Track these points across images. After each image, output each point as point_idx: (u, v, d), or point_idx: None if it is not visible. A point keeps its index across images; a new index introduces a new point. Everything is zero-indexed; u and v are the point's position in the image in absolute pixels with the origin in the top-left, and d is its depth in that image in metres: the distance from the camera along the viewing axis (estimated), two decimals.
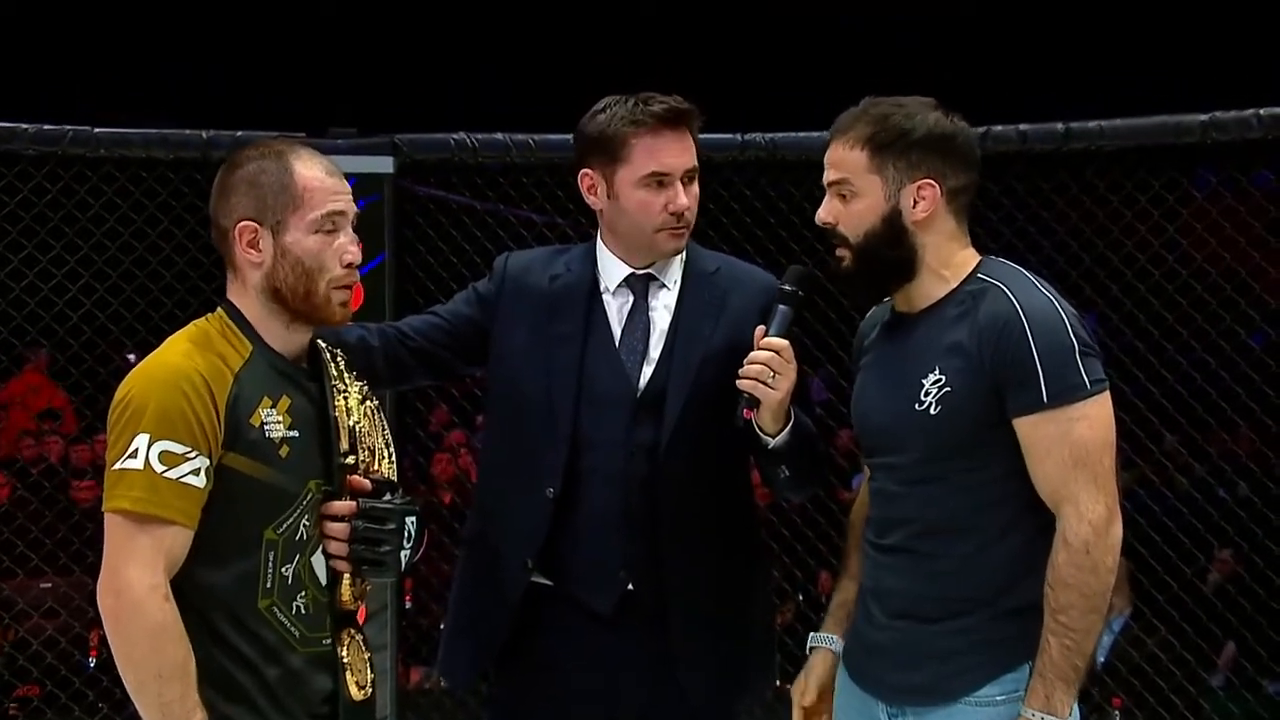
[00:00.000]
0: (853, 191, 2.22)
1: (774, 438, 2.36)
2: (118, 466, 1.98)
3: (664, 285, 2.50)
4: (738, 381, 2.30)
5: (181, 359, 2.03)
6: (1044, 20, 11.78)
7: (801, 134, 3.86)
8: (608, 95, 2.49)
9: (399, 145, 3.80)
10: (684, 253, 2.53)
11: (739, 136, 3.84)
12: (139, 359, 2.14)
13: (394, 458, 2.25)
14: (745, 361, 2.30)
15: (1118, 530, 2.11)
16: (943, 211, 2.22)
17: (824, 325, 4.80)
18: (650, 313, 2.49)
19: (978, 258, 2.26)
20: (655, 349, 2.47)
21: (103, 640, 5.91)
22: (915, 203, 2.21)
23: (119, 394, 2.03)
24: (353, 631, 2.18)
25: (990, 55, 11.19)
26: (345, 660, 2.14)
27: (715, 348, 2.43)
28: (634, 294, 2.50)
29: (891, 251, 2.21)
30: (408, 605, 5.59)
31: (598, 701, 2.46)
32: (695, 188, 2.46)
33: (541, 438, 2.45)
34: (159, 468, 1.96)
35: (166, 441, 1.96)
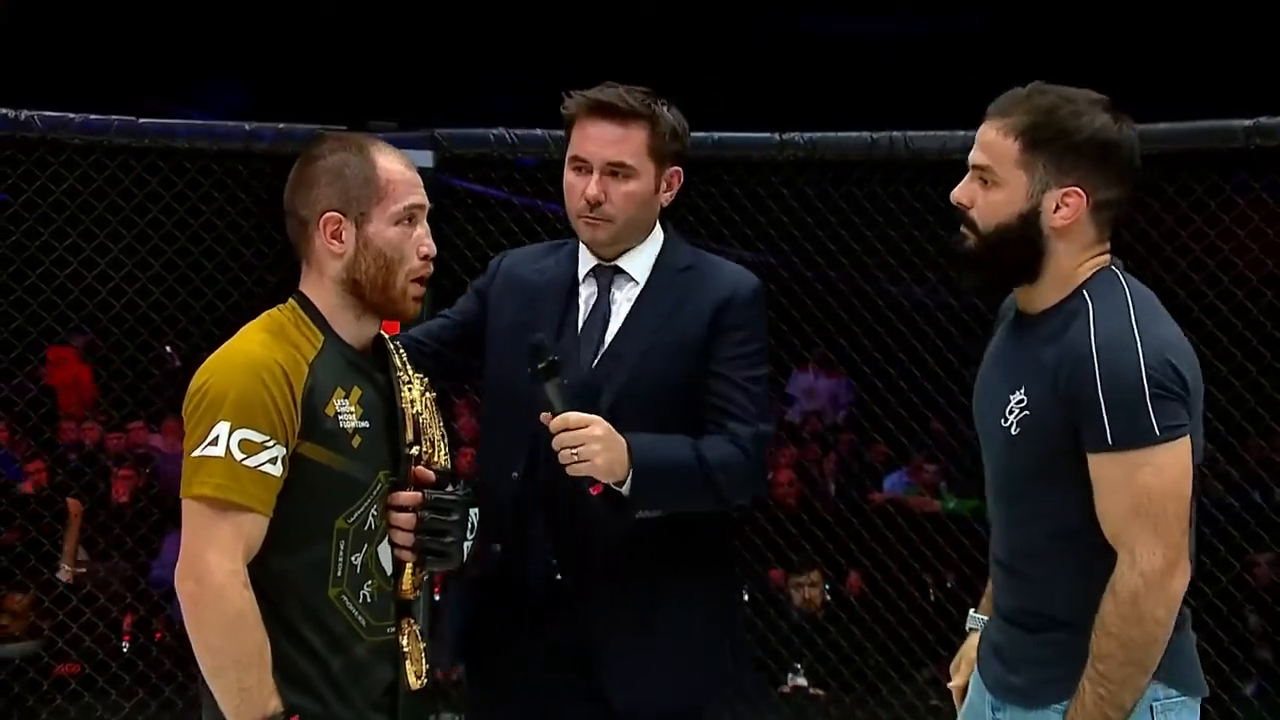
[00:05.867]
0: (995, 181, 2.10)
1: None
2: (197, 454, 1.99)
3: (632, 279, 2.49)
4: (568, 470, 2.26)
5: (260, 349, 2.04)
6: (1086, 23, 11.71)
7: (840, 134, 3.86)
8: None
9: (439, 140, 3.83)
10: (659, 246, 2.51)
11: (776, 136, 3.84)
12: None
13: (449, 449, 2.28)
14: (554, 448, 2.26)
15: (1177, 584, 2.01)
16: (1085, 222, 2.10)
17: (847, 337, 4.81)
18: (612, 304, 2.49)
19: (1098, 267, 2.13)
20: (608, 341, 2.47)
21: (136, 626, 5.97)
22: (1057, 208, 2.08)
23: (196, 383, 2.04)
24: (411, 621, 2.20)
25: (1031, 58, 11.13)
26: (405, 649, 2.18)
27: (659, 344, 2.42)
28: (598, 286, 2.50)
29: (1019, 251, 2.11)
30: (436, 598, 5.61)
31: (530, 692, 2.45)
32: (621, 185, 2.42)
33: (513, 423, 2.45)
34: (239, 455, 1.97)
35: (246, 430, 1.98)
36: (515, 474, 2.44)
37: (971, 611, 2.46)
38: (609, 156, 2.41)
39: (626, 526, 2.36)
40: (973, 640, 2.41)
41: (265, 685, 1.97)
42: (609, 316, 2.47)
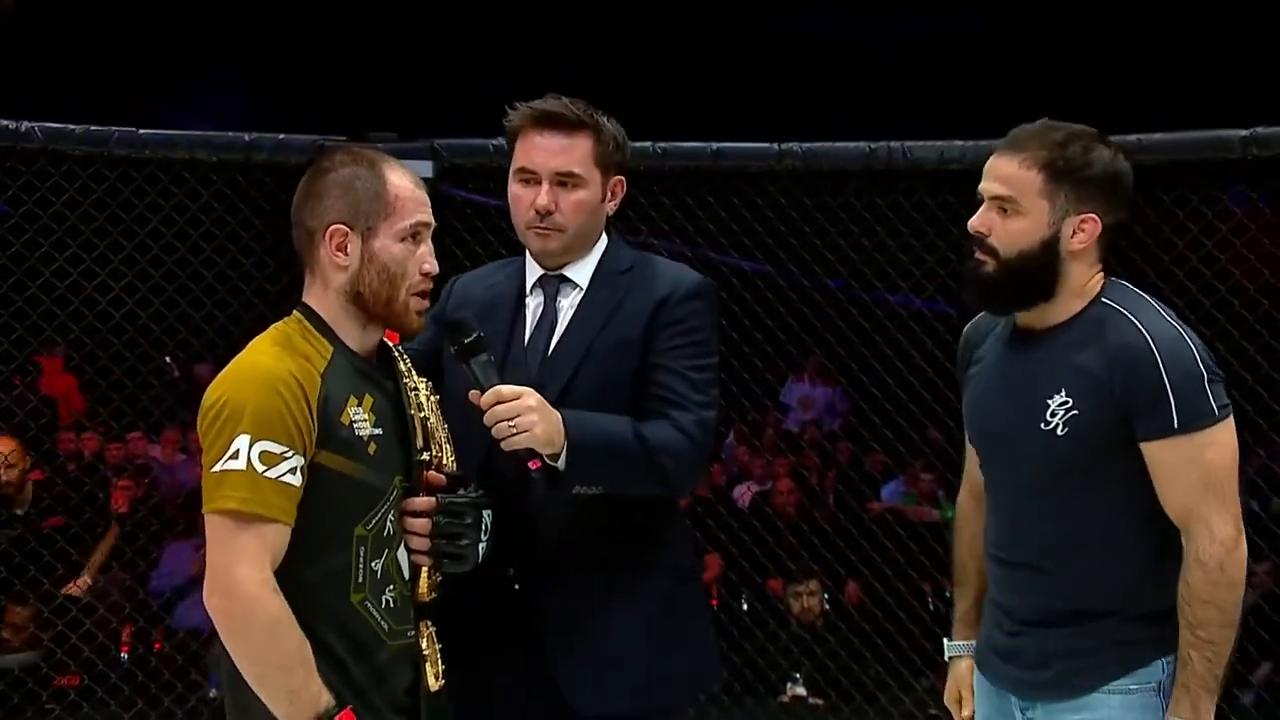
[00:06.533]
0: (1017, 210, 2.26)
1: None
2: (218, 468, 2.01)
3: (577, 285, 2.50)
4: (502, 445, 2.24)
5: (273, 361, 2.07)
6: (1085, 25, 11.74)
7: (838, 144, 3.87)
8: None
9: (438, 150, 3.84)
10: (601, 252, 2.52)
11: (775, 146, 3.85)
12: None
13: (454, 452, 2.30)
14: (486, 424, 2.24)
15: (1244, 547, 2.21)
16: (1095, 244, 2.28)
17: (844, 346, 4.82)
18: (558, 312, 2.50)
19: (1103, 279, 2.31)
20: (552, 347, 2.47)
21: (135, 636, 5.96)
22: (1074, 233, 2.26)
23: (210, 398, 2.06)
24: (429, 623, 2.23)
25: (1031, 59, 11.16)
26: (425, 652, 2.21)
27: (599, 347, 2.43)
28: (544, 295, 2.51)
29: (1039, 275, 2.27)
30: None
31: (485, 700, 2.45)
32: (571, 194, 2.43)
33: (468, 440, 2.41)
34: (260, 467, 2.00)
35: (266, 441, 2.00)
36: (473, 487, 2.42)
37: (947, 641, 2.55)
38: (557, 166, 2.42)
39: (582, 533, 2.37)
40: (963, 666, 2.52)
41: (312, 684, 2.00)
42: (555, 324, 2.48)
